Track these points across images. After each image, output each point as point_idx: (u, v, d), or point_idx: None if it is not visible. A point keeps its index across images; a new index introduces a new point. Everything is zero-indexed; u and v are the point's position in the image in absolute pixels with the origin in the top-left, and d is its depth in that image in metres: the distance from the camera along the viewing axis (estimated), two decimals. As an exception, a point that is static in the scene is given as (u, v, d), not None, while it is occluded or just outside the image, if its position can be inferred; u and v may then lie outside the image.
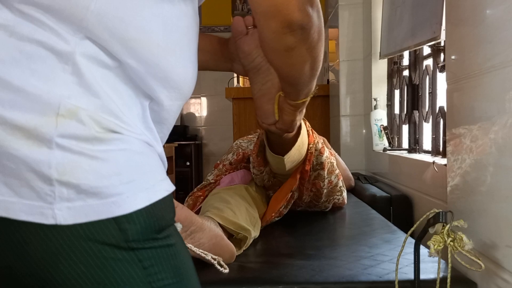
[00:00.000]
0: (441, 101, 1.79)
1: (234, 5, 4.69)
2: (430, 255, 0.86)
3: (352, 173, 2.16)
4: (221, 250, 1.01)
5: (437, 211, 0.85)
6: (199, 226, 0.99)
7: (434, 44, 1.75)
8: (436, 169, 1.51)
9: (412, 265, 0.90)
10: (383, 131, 2.35)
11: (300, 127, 1.18)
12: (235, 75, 3.71)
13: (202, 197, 1.46)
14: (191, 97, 4.45)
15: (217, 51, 0.99)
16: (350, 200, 1.85)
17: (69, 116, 0.52)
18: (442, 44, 1.70)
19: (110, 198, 0.52)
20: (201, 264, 0.96)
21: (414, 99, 2.13)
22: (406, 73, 2.26)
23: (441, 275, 0.89)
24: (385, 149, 2.31)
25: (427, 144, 1.98)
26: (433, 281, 0.89)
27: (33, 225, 0.50)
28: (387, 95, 2.53)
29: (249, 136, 1.84)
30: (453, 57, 1.10)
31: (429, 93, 1.90)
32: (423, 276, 0.90)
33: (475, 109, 0.97)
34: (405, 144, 2.26)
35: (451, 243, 0.84)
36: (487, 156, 0.91)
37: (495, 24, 0.89)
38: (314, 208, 1.61)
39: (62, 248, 0.51)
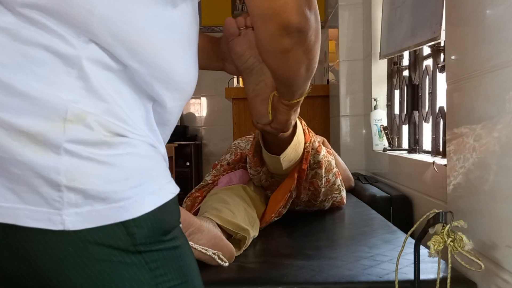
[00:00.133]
0: (441, 101, 1.79)
1: (234, 5, 4.70)
2: (430, 256, 0.86)
3: (352, 173, 2.16)
4: (220, 250, 1.01)
5: (437, 211, 0.85)
6: (198, 227, 0.99)
7: (434, 44, 1.74)
8: (436, 169, 1.51)
9: (412, 265, 0.90)
10: (383, 131, 2.35)
11: (295, 126, 1.18)
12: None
13: (200, 198, 1.46)
14: (191, 97, 4.41)
15: (208, 50, 0.98)
16: (350, 200, 1.85)
17: (77, 121, 0.51)
18: (442, 44, 1.69)
19: (118, 203, 0.52)
20: (201, 264, 0.95)
21: (414, 99, 2.13)
22: (406, 73, 2.26)
23: (441, 275, 0.89)
24: (385, 149, 2.31)
25: (427, 144, 1.98)
26: (433, 281, 0.89)
27: (41, 231, 0.50)
28: (387, 95, 2.52)
29: (248, 136, 1.84)
30: (453, 57, 1.09)
31: (429, 93, 1.90)
32: (423, 276, 0.90)
33: (475, 109, 0.97)
34: (405, 144, 2.26)
35: (451, 244, 0.84)
36: (488, 156, 0.91)
37: (495, 24, 0.89)
38: (312, 207, 1.61)
39: (70, 254, 0.51)
